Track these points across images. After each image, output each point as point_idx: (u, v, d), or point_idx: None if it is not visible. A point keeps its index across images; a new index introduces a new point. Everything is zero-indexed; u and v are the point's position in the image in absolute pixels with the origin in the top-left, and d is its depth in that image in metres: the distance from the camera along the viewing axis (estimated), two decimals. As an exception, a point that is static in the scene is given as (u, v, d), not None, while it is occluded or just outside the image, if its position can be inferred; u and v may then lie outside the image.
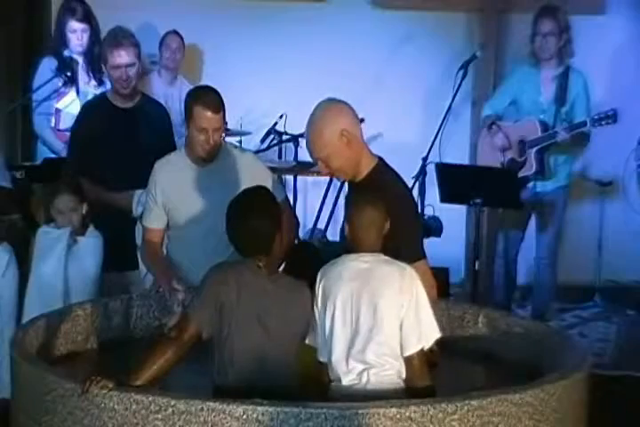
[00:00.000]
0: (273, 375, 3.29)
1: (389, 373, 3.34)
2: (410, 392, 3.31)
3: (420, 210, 5.94)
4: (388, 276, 3.39)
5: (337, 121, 3.75)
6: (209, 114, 4.29)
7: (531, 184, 6.27)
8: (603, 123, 5.98)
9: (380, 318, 3.34)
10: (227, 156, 4.48)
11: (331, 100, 3.84)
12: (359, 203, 3.50)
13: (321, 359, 3.44)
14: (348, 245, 3.50)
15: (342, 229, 3.60)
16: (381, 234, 3.46)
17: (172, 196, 4.46)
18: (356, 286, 3.38)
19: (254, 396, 3.06)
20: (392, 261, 3.44)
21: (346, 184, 4.86)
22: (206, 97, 4.34)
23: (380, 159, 3.87)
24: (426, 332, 3.37)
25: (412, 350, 3.35)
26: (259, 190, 3.52)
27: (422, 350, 3.36)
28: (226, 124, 4.43)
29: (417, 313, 3.36)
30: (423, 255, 3.79)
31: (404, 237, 3.63)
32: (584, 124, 6.05)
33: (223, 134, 4.49)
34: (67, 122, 5.98)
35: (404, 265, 3.44)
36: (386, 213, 3.46)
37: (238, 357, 3.29)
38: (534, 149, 6.17)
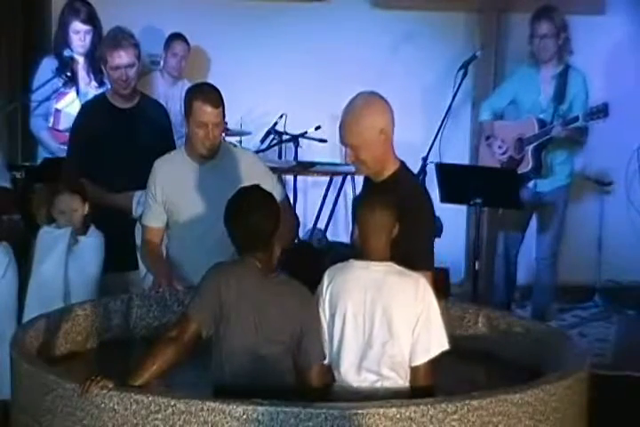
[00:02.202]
0: (270, 375, 3.29)
1: (401, 382, 3.35)
2: (412, 396, 3.31)
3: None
4: (401, 288, 3.37)
5: (379, 117, 3.75)
6: (208, 108, 4.31)
7: (531, 184, 6.28)
8: (594, 117, 5.98)
9: (394, 332, 3.33)
10: (227, 154, 4.49)
11: (375, 94, 3.81)
12: (370, 206, 3.45)
13: (324, 361, 3.42)
14: (357, 249, 3.47)
15: (353, 233, 3.56)
16: (390, 238, 3.44)
17: (172, 194, 4.47)
18: (368, 298, 3.36)
19: (251, 395, 3.05)
20: (404, 272, 3.41)
21: (346, 184, 4.88)
22: (205, 92, 4.37)
23: (402, 163, 3.86)
24: (435, 344, 3.36)
25: (420, 360, 3.35)
26: (255, 188, 3.52)
27: (428, 360, 3.36)
28: (226, 123, 4.44)
29: (428, 325, 3.36)
30: (432, 268, 3.71)
31: (418, 246, 3.62)
32: (576, 118, 6.06)
33: (223, 134, 4.49)
34: (66, 122, 5.97)
35: (416, 276, 3.41)
36: (395, 216, 3.43)
37: (235, 356, 3.29)
38: (532, 146, 6.18)
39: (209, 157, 4.43)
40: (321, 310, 3.43)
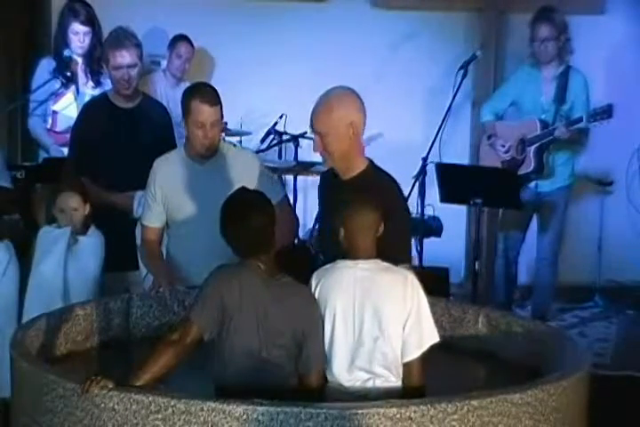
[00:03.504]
0: (271, 378, 3.29)
1: (392, 379, 3.35)
2: (405, 396, 3.30)
3: (420, 210, 5.95)
4: (390, 285, 3.37)
5: (352, 110, 3.77)
6: (206, 107, 4.32)
7: (532, 184, 6.29)
8: (598, 118, 5.98)
9: (385, 329, 3.33)
10: (225, 154, 4.49)
11: (353, 91, 3.84)
12: (356, 206, 3.43)
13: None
14: (343, 250, 3.45)
15: (321, 230, 3.52)
16: (376, 237, 3.44)
17: (171, 194, 4.47)
18: (357, 295, 3.35)
19: (251, 396, 3.05)
20: (392, 269, 3.42)
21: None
22: (202, 91, 4.39)
23: (371, 161, 3.89)
24: (426, 338, 3.37)
25: (412, 356, 3.35)
26: (247, 191, 3.52)
27: (421, 355, 3.36)
28: (225, 123, 4.44)
29: (419, 320, 3.36)
30: (410, 259, 3.79)
31: (397, 239, 3.63)
32: (580, 119, 6.06)
33: (223, 134, 4.49)
34: (63, 124, 5.99)
35: (405, 272, 3.42)
36: (381, 215, 3.44)
37: (237, 358, 3.29)
38: (533, 147, 6.19)
39: (208, 157, 4.44)
40: None
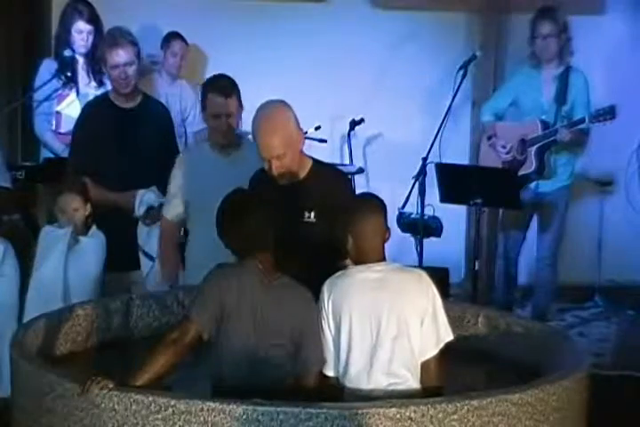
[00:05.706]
0: (268, 375, 3.29)
1: (411, 381, 3.33)
2: (424, 395, 3.30)
3: (420, 210, 5.95)
4: (404, 283, 3.37)
5: (292, 118, 3.85)
6: (220, 99, 4.43)
7: (533, 184, 6.28)
8: (601, 119, 5.97)
9: (403, 328, 3.33)
10: (249, 147, 4.50)
11: (277, 100, 3.91)
12: (361, 213, 3.42)
13: (330, 374, 3.41)
14: (352, 258, 3.46)
15: (280, 239, 3.47)
16: (384, 240, 3.44)
17: (195, 185, 4.49)
18: (373, 297, 3.35)
19: (249, 395, 3.05)
20: (405, 268, 3.43)
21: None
22: (218, 83, 4.51)
23: (312, 158, 3.96)
24: (442, 335, 3.38)
25: (430, 353, 3.35)
26: (241, 192, 3.54)
27: (438, 353, 3.36)
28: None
29: (435, 318, 3.37)
30: None
31: None
32: (583, 120, 6.06)
33: (242, 128, 4.54)
34: (67, 125, 5.98)
35: (418, 271, 3.44)
36: (385, 217, 3.44)
37: (234, 356, 3.30)
38: (534, 148, 6.18)
39: (227, 146, 4.50)
40: (325, 323, 3.40)
